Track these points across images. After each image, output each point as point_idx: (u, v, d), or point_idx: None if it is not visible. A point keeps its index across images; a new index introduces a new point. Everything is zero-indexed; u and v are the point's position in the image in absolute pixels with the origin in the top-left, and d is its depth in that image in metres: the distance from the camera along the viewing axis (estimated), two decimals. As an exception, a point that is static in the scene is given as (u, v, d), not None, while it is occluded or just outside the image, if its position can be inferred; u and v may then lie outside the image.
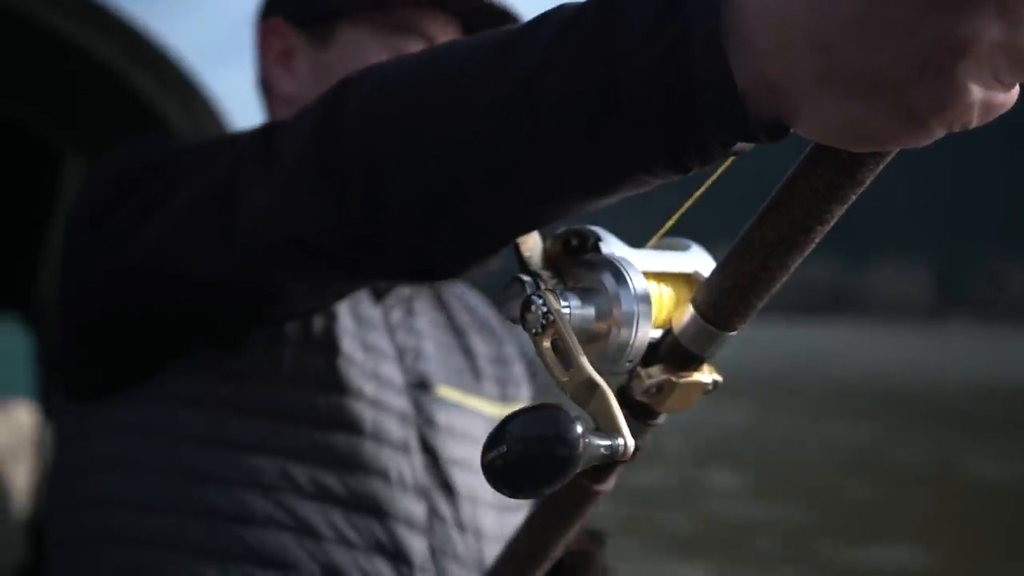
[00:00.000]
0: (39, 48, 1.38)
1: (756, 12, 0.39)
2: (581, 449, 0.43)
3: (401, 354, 0.84)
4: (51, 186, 1.68)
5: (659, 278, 0.53)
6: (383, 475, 0.78)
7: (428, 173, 0.52)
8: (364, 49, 0.84)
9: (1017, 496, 6.91)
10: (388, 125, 0.53)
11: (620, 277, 0.49)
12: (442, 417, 0.83)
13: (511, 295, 0.52)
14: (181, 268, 0.68)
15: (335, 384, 0.77)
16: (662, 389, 0.52)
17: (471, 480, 0.83)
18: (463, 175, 0.50)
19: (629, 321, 0.49)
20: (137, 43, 1.40)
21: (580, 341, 0.48)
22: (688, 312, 0.51)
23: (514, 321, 0.51)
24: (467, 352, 0.92)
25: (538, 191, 0.49)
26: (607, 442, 0.45)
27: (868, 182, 0.43)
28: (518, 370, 0.97)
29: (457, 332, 0.93)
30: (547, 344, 0.48)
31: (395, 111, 0.53)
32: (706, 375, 0.53)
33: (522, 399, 0.95)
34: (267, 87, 0.90)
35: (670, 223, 0.57)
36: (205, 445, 0.75)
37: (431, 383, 0.84)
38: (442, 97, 0.50)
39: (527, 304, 0.48)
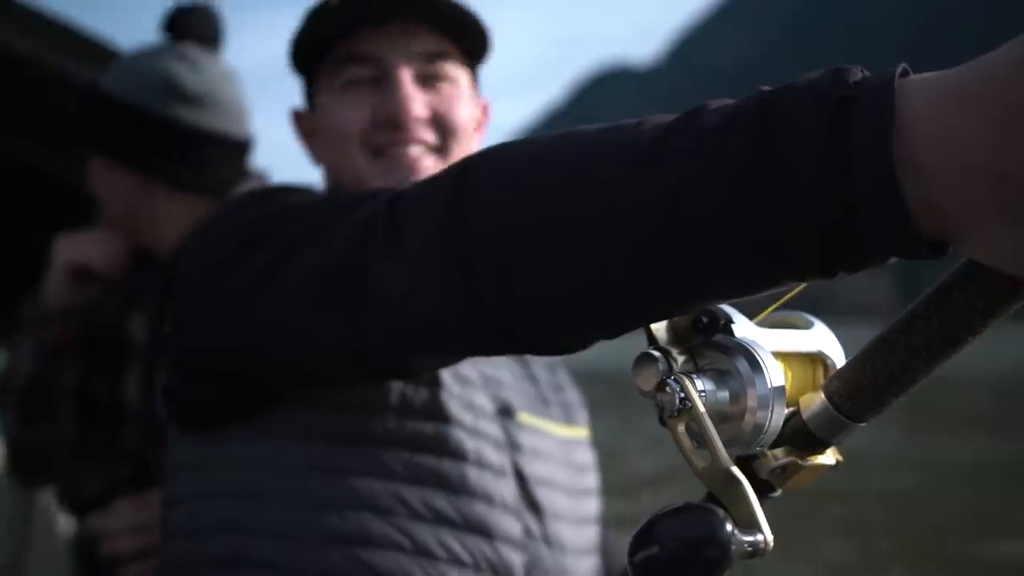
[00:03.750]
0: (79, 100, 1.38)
1: (932, 138, 0.38)
2: (732, 550, 0.44)
3: (486, 382, 0.89)
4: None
5: (785, 357, 0.54)
6: (487, 498, 0.83)
7: (565, 271, 0.52)
8: (325, 97, 0.93)
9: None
10: (521, 219, 0.53)
11: (755, 364, 0.50)
12: (525, 440, 0.89)
13: (644, 372, 0.51)
14: (308, 335, 0.68)
15: (439, 414, 0.82)
16: (786, 470, 0.53)
17: (552, 498, 0.89)
18: (603, 275, 0.50)
19: (764, 407, 0.49)
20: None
21: (713, 422, 0.48)
22: (819, 399, 0.51)
23: (645, 396, 0.51)
24: (533, 379, 0.98)
25: (680, 292, 0.50)
26: (751, 539, 0.46)
27: None
28: (573, 396, 1.03)
29: (523, 361, 0.99)
30: (682, 428, 0.49)
31: (528, 206, 0.53)
32: (830, 457, 0.53)
33: (583, 423, 1.01)
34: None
35: (787, 297, 0.57)
36: (323, 474, 0.79)
37: (513, 409, 0.89)
38: (581, 197, 0.50)
39: (662, 385, 0.49)
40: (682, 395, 0.47)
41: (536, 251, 0.52)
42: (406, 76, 0.90)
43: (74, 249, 1.34)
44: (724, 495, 0.47)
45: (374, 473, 0.79)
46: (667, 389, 0.48)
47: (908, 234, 0.40)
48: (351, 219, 0.65)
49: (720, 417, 0.49)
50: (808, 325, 0.57)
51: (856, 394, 0.49)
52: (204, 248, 0.79)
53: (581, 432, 0.99)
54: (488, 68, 1.03)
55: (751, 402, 0.49)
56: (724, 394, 0.49)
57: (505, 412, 0.88)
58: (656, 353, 0.51)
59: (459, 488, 0.81)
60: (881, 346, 0.47)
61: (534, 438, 0.90)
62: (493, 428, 0.86)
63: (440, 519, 0.80)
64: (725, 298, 0.50)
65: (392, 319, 0.62)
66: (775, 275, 0.46)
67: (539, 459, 0.89)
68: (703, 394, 0.48)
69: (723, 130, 0.44)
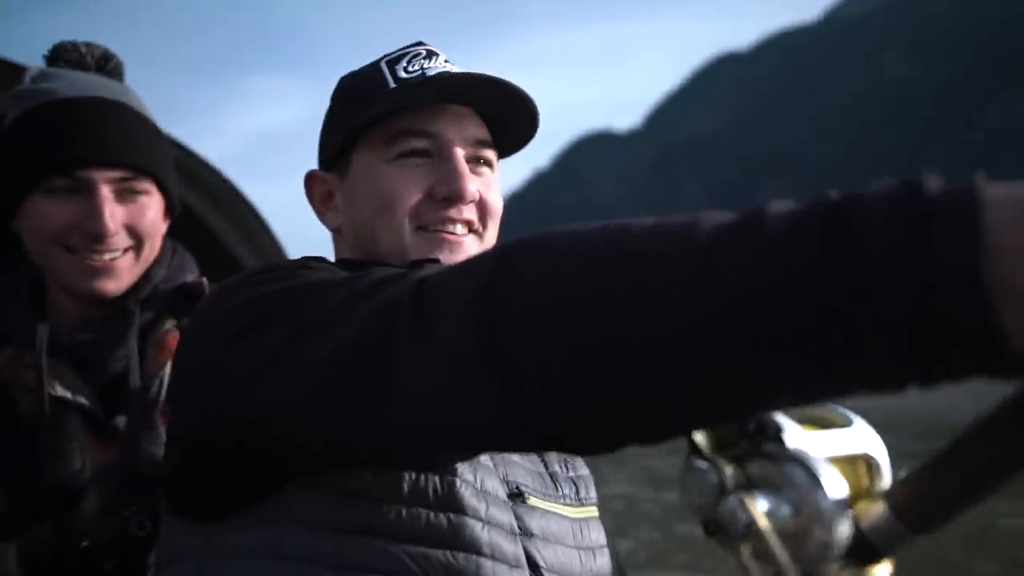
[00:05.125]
0: None
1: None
2: None
3: (496, 464, 0.86)
4: None
5: (834, 462, 0.51)
6: None
7: (613, 377, 0.48)
8: (372, 166, 0.94)
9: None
10: (564, 321, 0.50)
11: (814, 477, 0.48)
12: (535, 526, 0.86)
13: (695, 486, 0.49)
14: (322, 425, 0.65)
15: (453, 504, 0.79)
16: None
17: None
18: (654, 383, 0.47)
19: (827, 522, 0.47)
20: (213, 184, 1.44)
21: (778, 542, 0.46)
22: (880, 509, 0.49)
23: (697, 513, 0.49)
24: (540, 455, 0.95)
25: (734, 403, 0.47)
26: None
27: None
28: (584, 470, 1.00)
29: None
30: (748, 552, 0.46)
31: (573, 307, 0.49)
32: (886, 569, 0.52)
33: (592, 501, 0.98)
34: (325, 226, 1.02)
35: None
36: (331, 568, 0.75)
37: (524, 493, 0.87)
38: (633, 299, 0.47)
39: (722, 509, 0.47)
40: (747, 519, 0.45)
41: (581, 356, 0.49)
42: (462, 156, 0.93)
43: None
44: None
45: (383, 568, 0.75)
46: (730, 515, 0.46)
47: (1001, 357, 0.37)
48: (374, 302, 0.62)
49: (784, 535, 0.47)
50: (847, 422, 0.55)
51: (922, 505, 0.47)
52: (212, 322, 0.76)
53: (591, 511, 0.96)
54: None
55: (815, 517, 0.47)
56: (786, 510, 0.47)
57: (516, 496, 0.86)
58: (703, 465, 0.50)
59: None
60: (953, 458, 0.45)
61: (545, 522, 0.87)
62: (506, 516, 0.83)
63: None
64: (780, 408, 0.48)
65: (418, 416, 0.58)
66: (845, 391, 0.44)
67: (550, 545, 0.86)
68: (766, 513, 0.46)
69: (791, 243, 0.42)
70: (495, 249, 0.57)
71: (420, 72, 0.94)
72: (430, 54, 0.97)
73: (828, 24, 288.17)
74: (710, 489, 0.49)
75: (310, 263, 0.82)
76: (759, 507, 0.47)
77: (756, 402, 0.47)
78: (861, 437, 0.55)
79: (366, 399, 0.60)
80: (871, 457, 0.54)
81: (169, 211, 1.24)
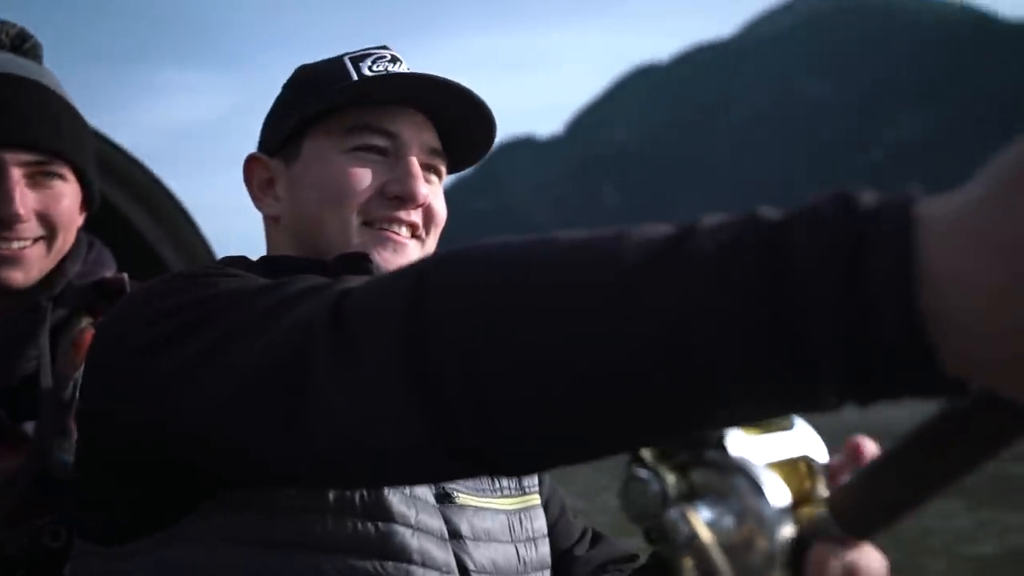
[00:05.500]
0: None
1: (964, 292, 0.36)
2: None
3: None
4: None
5: (776, 467, 0.52)
6: None
7: (546, 404, 0.47)
8: (325, 154, 0.92)
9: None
10: (492, 345, 0.47)
11: (757, 486, 0.48)
12: (465, 527, 0.83)
13: (637, 498, 0.49)
14: (238, 443, 0.62)
15: (380, 511, 0.76)
16: None
17: None
18: (589, 409, 0.46)
19: (771, 530, 0.47)
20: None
21: (721, 554, 0.46)
22: (820, 514, 0.50)
23: (638, 523, 0.49)
24: None
25: (670, 427, 0.47)
26: None
27: None
28: None
29: None
30: (690, 564, 0.47)
31: (499, 332, 0.47)
32: None
33: (535, 488, 0.95)
34: (262, 214, 0.98)
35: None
36: None
37: (451, 493, 0.84)
38: (563, 324, 0.45)
39: (665, 522, 0.47)
40: (688, 531, 0.45)
41: (514, 382, 0.47)
42: (417, 160, 0.93)
43: None
44: None
45: None
46: (672, 527, 0.46)
47: (935, 382, 0.38)
48: (295, 316, 0.59)
49: (727, 546, 0.47)
50: (790, 425, 0.56)
51: (862, 511, 0.48)
52: (130, 326, 0.72)
53: (533, 500, 0.93)
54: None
55: (758, 526, 0.47)
56: (729, 521, 0.47)
57: (443, 497, 0.82)
58: (646, 474, 0.50)
59: None
60: (891, 465, 0.46)
61: (478, 520, 0.84)
62: (435, 521, 0.80)
63: None
64: (721, 426, 0.49)
65: (338, 442, 0.56)
66: (783, 412, 0.44)
67: (482, 545, 0.83)
68: (709, 524, 0.46)
69: (726, 269, 0.41)
70: (416, 267, 0.54)
71: (385, 72, 0.93)
72: (394, 59, 0.96)
73: (742, 41, 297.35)
74: (652, 499, 0.49)
75: (233, 268, 0.78)
76: (702, 517, 0.47)
77: (692, 425, 0.47)
78: (802, 439, 0.55)
79: (287, 416, 0.57)
80: (812, 459, 0.54)
81: (87, 203, 1.15)
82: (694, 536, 0.46)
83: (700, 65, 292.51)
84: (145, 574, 0.73)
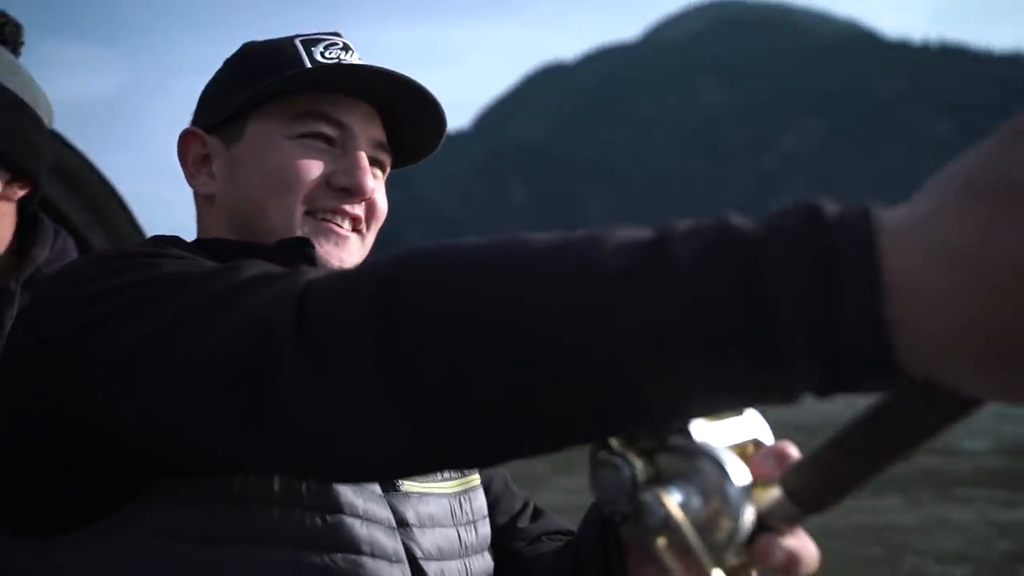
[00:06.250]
0: None
1: (924, 300, 0.39)
2: None
3: None
4: None
5: (732, 449, 0.54)
6: None
7: (526, 402, 0.47)
8: (270, 138, 0.89)
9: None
10: (473, 349, 0.48)
11: (720, 467, 0.51)
12: (411, 514, 0.82)
13: (608, 483, 0.51)
14: (191, 432, 0.59)
15: (328, 502, 0.74)
16: (745, 568, 0.54)
17: (444, 569, 0.83)
18: (565, 408, 0.47)
19: (736, 510, 0.50)
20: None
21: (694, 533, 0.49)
22: (775, 493, 0.52)
23: (610, 508, 0.51)
24: None
25: (640, 421, 0.48)
26: None
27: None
28: None
29: None
30: (664, 544, 0.49)
31: (479, 334, 0.47)
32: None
33: (475, 470, 0.95)
34: (194, 192, 0.95)
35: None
36: None
37: (396, 480, 0.83)
38: (544, 326, 0.46)
39: (639, 505, 0.49)
40: (663, 513, 0.48)
41: (487, 383, 0.47)
42: (365, 154, 0.91)
43: None
44: None
45: (258, 573, 0.69)
46: (645, 510, 0.48)
47: (896, 383, 0.41)
48: (254, 306, 0.57)
49: (696, 525, 0.49)
50: (741, 410, 0.58)
51: (814, 488, 0.50)
52: (60, 307, 0.68)
53: (473, 480, 0.93)
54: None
55: (723, 505, 0.49)
56: (696, 501, 0.49)
57: (388, 485, 0.81)
58: (615, 460, 0.51)
59: None
60: (841, 446, 0.49)
61: (423, 506, 0.84)
62: (383, 510, 0.79)
63: None
64: (692, 417, 0.50)
65: (306, 449, 0.55)
66: (752, 404, 0.47)
67: (427, 531, 0.83)
68: (681, 506, 0.48)
69: (705, 282, 0.43)
70: (380, 270, 0.52)
71: (337, 61, 0.92)
72: (346, 47, 0.94)
73: (647, 44, 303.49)
74: (622, 484, 0.51)
75: (169, 249, 0.75)
76: (673, 500, 0.49)
77: (665, 421, 0.50)
78: (752, 423, 0.58)
79: (244, 417, 0.56)
80: (760, 442, 0.58)
81: (12, 186, 1.10)
82: (668, 516, 0.48)
83: (607, 65, 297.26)
84: (75, 569, 0.70)
